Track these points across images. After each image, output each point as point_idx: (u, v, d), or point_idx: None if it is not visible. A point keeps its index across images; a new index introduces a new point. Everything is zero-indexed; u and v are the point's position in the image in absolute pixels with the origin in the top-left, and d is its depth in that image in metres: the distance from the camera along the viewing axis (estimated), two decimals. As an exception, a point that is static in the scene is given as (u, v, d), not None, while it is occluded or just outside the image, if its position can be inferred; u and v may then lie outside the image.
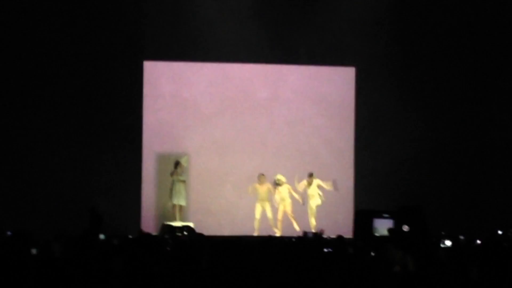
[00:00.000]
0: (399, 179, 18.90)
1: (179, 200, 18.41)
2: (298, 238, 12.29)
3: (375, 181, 18.94)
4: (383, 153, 19.05)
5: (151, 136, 19.21)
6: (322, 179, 18.55)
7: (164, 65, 19.43)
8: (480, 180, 19.21)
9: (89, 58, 18.58)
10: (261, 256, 8.10)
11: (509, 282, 7.70)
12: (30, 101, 18.45)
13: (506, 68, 19.38)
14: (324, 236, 13.74)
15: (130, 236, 11.20)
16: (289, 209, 18.34)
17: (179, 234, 12.48)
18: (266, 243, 9.76)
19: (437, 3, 19.26)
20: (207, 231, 12.78)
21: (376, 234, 13.29)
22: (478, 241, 11.72)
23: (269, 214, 18.40)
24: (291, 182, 18.43)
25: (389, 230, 12.23)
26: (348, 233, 14.63)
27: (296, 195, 18.31)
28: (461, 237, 12.28)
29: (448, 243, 11.25)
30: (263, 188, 18.45)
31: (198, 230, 12.74)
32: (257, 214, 18.39)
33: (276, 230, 18.14)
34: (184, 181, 18.53)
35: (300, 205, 18.31)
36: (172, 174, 18.45)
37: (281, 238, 16.09)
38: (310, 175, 18.47)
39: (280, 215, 18.41)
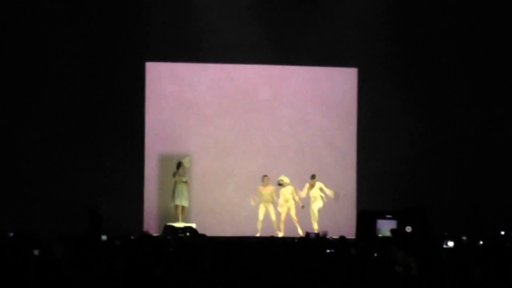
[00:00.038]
0: (402, 179, 18.88)
1: (181, 201, 18.40)
2: (300, 239, 12.28)
3: (377, 182, 18.92)
4: (385, 154, 19.03)
5: (153, 137, 19.20)
6: (325, 180, 18.52)
7: (166, 66, 19.43)
8: (482, 181, 19.18)
9: (91, 59, 18.58)
10: (263, 257, 8.09)
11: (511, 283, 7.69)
12: (32, 102, 18.44)
13: (509, 68, 19.35)
14: (327, 237, 13.72)
15: (133, 237, 11.19)
16: (293, 211, 18.30)
17: (181, 235, 12.48)
18: (268, 244, 9.74)
19: (439, 3, 19.24)
20: (209, 232, 12.76)
21: (379, 235, 13.27)
22: (481, 242, 11.70)
23: (273, 216, 18.38)
24: (294, 183, 18.42)
25: (392, 230, 12.21)
26: (350, 233, 14.59)
27: (297, 198, 18.29)
28: (464, 238, 12.26)
29: (450, 244, 11.24)
30: (267, 190, 18.43)
31: (200, 231, 12.74)
32: (260, 216, 18.37)
33: (278, 233, 18.12)
34: (186, 182, 18.53)
35: (301, 209, 18.30)
36: (174, 175, 18.45)
37: (283, 239, 16.08)
38: (313, 177, 18.45)
39: (283, 217, 18.39)
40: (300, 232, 17.90)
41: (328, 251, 9.50)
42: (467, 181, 19.15)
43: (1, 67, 18.36)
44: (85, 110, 18.66)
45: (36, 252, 8.39)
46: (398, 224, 12.85)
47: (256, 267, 7.51)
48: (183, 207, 18.46)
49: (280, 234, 18.05)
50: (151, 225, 18.53)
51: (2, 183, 18.15)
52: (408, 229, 12.25)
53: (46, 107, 18.47)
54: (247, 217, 18.82)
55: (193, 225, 16.83)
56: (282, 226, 18.33)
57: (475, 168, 19.27)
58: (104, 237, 10.91)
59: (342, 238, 11.02)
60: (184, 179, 18.47)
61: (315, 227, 18.09)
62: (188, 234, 12.53)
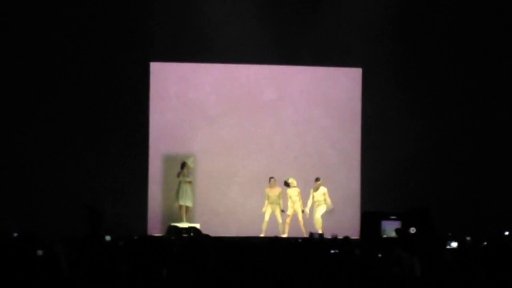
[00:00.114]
0: (406, 180, 18.88)
1: (186, 201, 18.42)
2: (304, 239, 12.27)
3: (381, 182, 18.91)
4: (389, 154, 19.02)
5: (158, 137, 19.22)
6: (328, 180, 18.54)
7: (170, 66, 19.45)
8: (486, 181, 19.17)
9: (95, 59, 18.61)
10: (267, 257, 8.08)
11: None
12: (37, 102, 18.48)
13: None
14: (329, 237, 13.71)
15: (136, 238, 11.19)
16: (299, 214, 18.28)
17: (185, 235, 12.47)
18: (272, 244, 9.74)
19: (443, 4, 19.23)
20: (213, 232, 12.75)
21: (383, 236, 13.25)
22: (485, 243, 11.68)
23: (279, 218, 18.38)
24: (298, 183, 18.41)
25: (397, 230, 12.20)
26: (354, 234, 14.58)
27: (299, 202, 18.28)
28: (468, 238, 12.24)
29: (454, 244, 11.22)
30: (274, 192, 18.43)
31: (204, 231, 12.73)
32: (266, 217, 18.38)
33: (283, 235, 18.12)
34: (190, 182, 18.54)
35: (306, 213, 18.34)
36: (178, 175, 18.46)
37: (287, 239, 16.08)
38: (317, 180, 18.43)
39: (288, 219, 18.39)
40: (304, 233, 17.90)
41: (332, 251, 9.49)
42: (471, 181, 19.14)
43: (5, 67, 18.39)
44: (89, 110, 18.69)
45: (40, 252, 8.39)
46: (402, 225, 12.82)
47: (260, 268, 7.51)
48: (187, 207, 18.47)
49: (285, 236, 18.05)
50: (155, 225, 18.55)
51: (6, 184, 18.18)
52: (412, 230, 12.22)
53: (51, 107, 18.50)
54: (251, 217, 18.83)
55: (197, 225, 16.84)
56: (287, 228, 18.33)
57: (479, 169, 19.26)
58: (108, 238, 10.91)
59: (346, 238, 11.00)
60: (188, 179, 18.48)
61: (320, 232, 18.09)
62: (192, 234, 12.53)
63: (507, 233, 14.78)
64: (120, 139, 18.75)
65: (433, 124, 19.29)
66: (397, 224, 12.96)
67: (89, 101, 18.68)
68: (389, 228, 12.99)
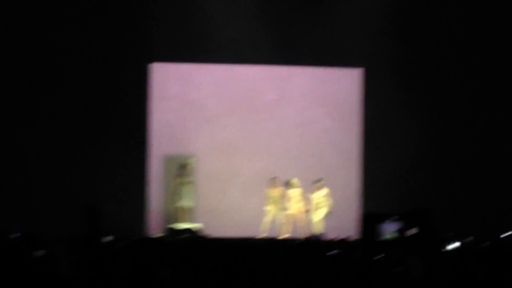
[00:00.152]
0: (406, 181, 18.85)
1: (186, 202, 18.41)
2: (304, 241, 12.24)
3: (381, 183, 18.88)
4: (390, 155, 19.00)
5: (158, 137, 19.20)
6: (329, 181, 18.52)
7: (171, 67, 19.43)
8: (487, 182, 19.13)
9: (96, 60, 18.60)
10: (266, 258, 8.07)
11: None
12: (37, 103, 18.46)
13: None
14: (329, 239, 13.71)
15: (136, 239, 11.18)
16: (301, 215, 18.28)
17: (185, 236, 12.47)
18: (272, 245, 9.73)
19: (445, 4, 19.20)
20: (214, 233, 12.78)
21: (383, 237, 13.23)
22: (486, 243, 11.65)
23: (280, 219, 18.37)
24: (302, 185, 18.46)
25: (397, 231, 12.19)
26: (354, 235, 14.56)
27: (301, 204, 18.30)
28: (469, 239, 12.21)
29: (455, 245, 11.19)
30: (276, 192, 18.43)
31: (204, 232, 12.75)
32: (268, 217, 18.37)
33: (283, 235, 18.12)
34: (191, 183, 18.54)
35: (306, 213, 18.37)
36: (178, 176, 18.45)
37: (286, 240, 16.08)
38: (319, 181, 18.42)
39: (290, 219, 18.38)
40: (303, 235, 17.89)
41: (331, 252, 9.48)
42: (471, 182, 19.11)
43: (4, 68, 18.37)
44: (89, 111, 18.68)
45: (39, 253, 8.39)
46: (403, 226, 12.81)
47: (259, 268, 7.50)
48: (186, 208, 18.45)
49: (283, 237, 18.05)
50: (155, 226, 18.53)
51: (6, 184, 18.16)
52: (413, 231, 12.21)
53: (51, 108, 18.49)
54: (251, 217, 18.81)
55: (198, 226, 16.85)
56: (287, 228, 18.30)
57: (480, 169, 19.23)
58: (107, 239, 10.89)
59: (345, 239, 11.00)
60: (189, 179, 18.48)
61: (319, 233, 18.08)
62: (191, 235, 12.53)
63: (508, 234, 14.74)
64: (121, 140, 18.74)
65: (434, 125, 19.26)
66: (397, 225, 12.94)
67: (89, 102, 18.67)
68: (389, 230, 12.97)
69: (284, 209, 18.38)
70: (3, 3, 18.35)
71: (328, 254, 9.40)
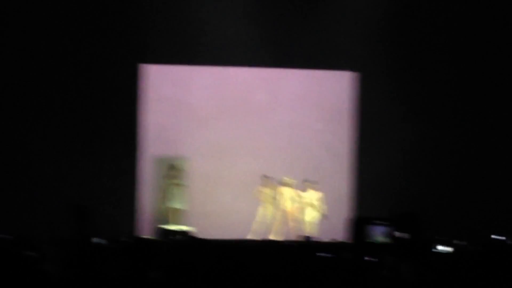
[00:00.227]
0: (398, 184, 18.88)
1: (175, 204, 18.41)
2: (294, 243, 12.26)
3: (374, 186, 18.91)
4: (382, 158, 19.03)
5: (149, 139, 19.19)
6: (320, 184, 18.54)
7: (163, 69, 19.43)
8: (479, 186, 19.17)
9: (89, 61, 18.57)
10: (257, 260, 8.08)
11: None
12: (27, 104, 18.42)
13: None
14: (320, 240, 13.74)
15: (126, 240, 11.16)
16: (293, 213, 18.31)
17: (175, 238, 12.46)
18: (263, 247, 9.74)
19: (439, 7, 19.23)
20: (204, 234, 12.74)
21: (371, 241, 13.25)
22: (478, 247, 11.69)
23: (271, 217, 18.39)
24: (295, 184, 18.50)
25: (386, 235, 12.21)
26: (345, 238, 14.58)
27: (293, 202, 18.34)
28: (458, 242, 12.24)
29: (444, 248, 11.22)
30: (268, 190, 18.46)
31: (194, 234, 12.75)
32: (259, 216, 18.39)
33: (272, 234, 18.15)
34: (181, 185, 18.54)
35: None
36: (167, 177, 18.46)
37: (277, 242, 16.10)
38: (313, 183, 18.45)
39: (279, 217, 18.40)
40: (293, 236, 17.92)
41: (321, 255, 9.49)
42: (463, 186, 19.15)
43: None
44: (80, 112, 18.64)
45: (30, 254, 8.38)
46: (391, 230, 12.83)
47: (251, 270, 7.51)
48: (177, 210, 18.46)
49: (273, 236, 18.08)
50: (145, 227, 18.52)
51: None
52: (401, 234, 12.23)
53: (42, 109, 18.45)
54: (242, 219, 18.82)
55: (188, 228, 16.84)
56: (277, 227, 18.32)
57: (472, 174, 19.27)
58: (97, 240, 10.86)
59: (335, 242, 11.02)
60: (179, 181, 18.48)
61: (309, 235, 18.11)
62: (181, 236, 12.52)
63: (497, 237, 14.78)
64: (112, 141, 18.71)
65: (426, 129, 19.29)
66: (384, 229, 12.97)
67: (81, 103, 18.63)
68: (377, 233, 13.00)
69: (276, 207, 18.40)
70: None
71: (319, 255, 9.41)
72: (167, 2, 19.03)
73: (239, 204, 19.07)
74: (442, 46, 19.35)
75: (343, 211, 19.04)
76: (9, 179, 18.18)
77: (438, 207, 18.53)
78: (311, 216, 18.39)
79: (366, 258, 9.05)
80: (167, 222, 17.99)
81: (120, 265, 7.20)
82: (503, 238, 14.01)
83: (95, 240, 10.35)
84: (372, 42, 19.15)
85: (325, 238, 14.78)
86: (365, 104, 19.44)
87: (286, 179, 18.40)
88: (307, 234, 17.46)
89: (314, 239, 15.22)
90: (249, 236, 18.22)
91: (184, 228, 16.63)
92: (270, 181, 18.49)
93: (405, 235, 12.01)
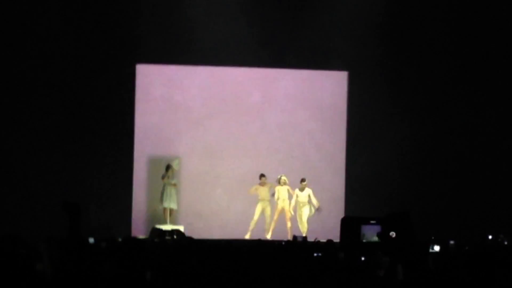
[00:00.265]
0: (391, 183, 18.91)
1: (170, 204, 18.38)
2: (288, 242, 12.29)
3: (366, 186, 18.95)
4: (374, 158, 19.06)
5: (143, 139, 19.18)
6: (313, 183, 18.57)
7: (156, 69, 19.42)
8: (470, 186, 19.21)
9: (81, 61, 18.55)
10: (251, 260, 8.11)
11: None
12: (21, 103, 18.38)
13: (501, 72, 19.39)
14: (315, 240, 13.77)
15: (120, 240, 11.18)
16: (288, 212, 18.32)
17: (169, 238, 12.47)
18: (256, 247, 9.76)
19: (430, 7, 19.28)
20: (197, 235, 12.79)
21: (364, 241, 13.31)
22: (468, 246, 11.73)
23: (267, 216, 18.41)
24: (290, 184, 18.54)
25: (378, 234, 12.27)
26: (338, 237, 14.61)
27: (288, 201, 18.37)
28: (451, 242, 12.29)
29: (437, 248, 11.27)
30: (265, 189, 18.48)
31: (188, 234, 12.77)
32: (256, 215, 18.40)
33: (268, 234, 18.17)
34: (175, 185, 18.52)
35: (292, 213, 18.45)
36: (163, 177, 18.43)
37: (271, 242, 16.11)
38: (302, 181, 18.47)
39: (276, 216, 18.43)
40: (289, 235, 17.93)
41: (315, 254, 9.53)
42: (455, 185, 19.19)
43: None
44: (74, 112, 18.61)
45: (23, 253, 8.37)
46: (383, 230, 12.88)
47: (244, 270, 7.53)
48: (171, 210, 18.44)
49: (269, 235, 18.10)
50: (139, 227, 18.52)
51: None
52: (393, 234, 12.28)
53: (35, 108, 18.41)
54: (236, 219, 18.85)
55: (181, 228, 16.85)
56: (273, 225, 18.34)
57: (464, 173, 19.31)
58: (91, 240, 10.88)
59: (329, 242, 11.05)
60: (173, 181, 18.46)
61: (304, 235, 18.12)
62: (175, 236, 12.54)
63: (490, 237, 14.84)
64: (105, 141, 18.69)
65: (418, 128, 19.33)
66: (377, 229, 13.01)
67: (74, 103, 18.60)
68: (369, 233, 13.04)
69: (272, 206, 18.43)
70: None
71: (311, 256, 9.45)
72: (161, 2, 19.03)
73: (233, 204, 19.10)
74: (434, 46, 19.39)
75: (336, 211, 19.07)
76: (2, 179, 18.14)
77: (430, 206, 18.58)
78: (306, 215, 18.40)
79: (358, 257, 9.09)
80: (163, 223, 17.98)
81: (115, 265, 7.21)
82: (497, 237, 14.06)
83: (90, 240, 10.37)
84: (365, 43, 19.18)
85: (319, 237, 14.77)
86: (357, 104, 19.48)
87: (283, 178, 18.42)
88: (302, 234, 17.52)
89: (308, 239, 15.28)
90: (246, 236, 18.24)
91: (179, 228, 16.63)
92: (266, 180, 18.51)
93: (396, 234, 12.06)
